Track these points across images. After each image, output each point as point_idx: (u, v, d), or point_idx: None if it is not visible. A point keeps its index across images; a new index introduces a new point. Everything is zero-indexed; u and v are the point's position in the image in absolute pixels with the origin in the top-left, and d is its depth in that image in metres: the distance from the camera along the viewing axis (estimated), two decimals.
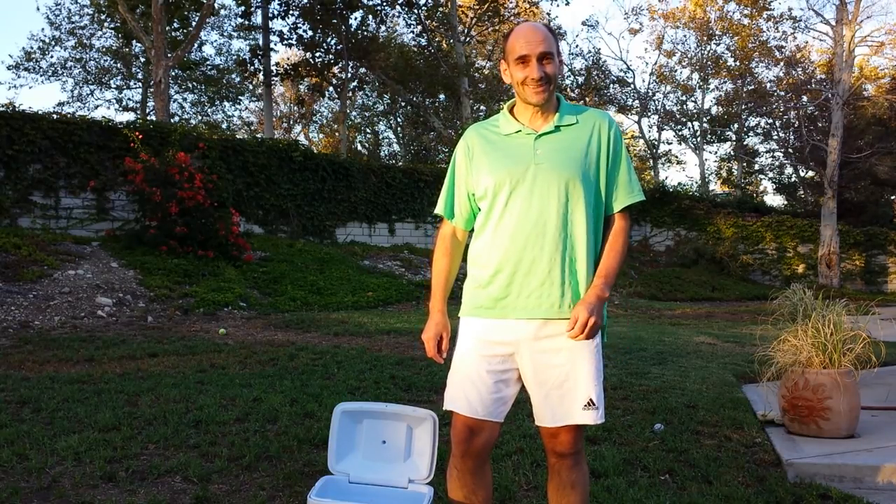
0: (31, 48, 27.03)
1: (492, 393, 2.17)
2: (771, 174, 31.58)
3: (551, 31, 2.14)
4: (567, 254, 2.12)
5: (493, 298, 2.16)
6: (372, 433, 2.41)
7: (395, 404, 2.47)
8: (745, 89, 28.65)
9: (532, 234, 2.11)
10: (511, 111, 2.21)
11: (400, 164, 24.64)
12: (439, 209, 2.32)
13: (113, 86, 28.14)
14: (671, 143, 39.29)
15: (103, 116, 12.74)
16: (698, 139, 31.56)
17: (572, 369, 2.14)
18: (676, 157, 40.48)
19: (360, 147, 32.68)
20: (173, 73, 24.24)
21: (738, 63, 28.68)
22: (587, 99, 30.44)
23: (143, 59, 25.11)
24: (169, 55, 15.86)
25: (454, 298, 2.35)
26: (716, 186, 33.38)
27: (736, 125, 31.04)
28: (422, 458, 2.39)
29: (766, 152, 31.83)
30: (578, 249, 2.13)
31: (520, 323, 2.14)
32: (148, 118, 18.40)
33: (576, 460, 2.20)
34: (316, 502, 2.19)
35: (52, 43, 26.77)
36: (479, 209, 2.23)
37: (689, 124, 32.44)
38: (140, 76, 27.32)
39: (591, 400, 2.15)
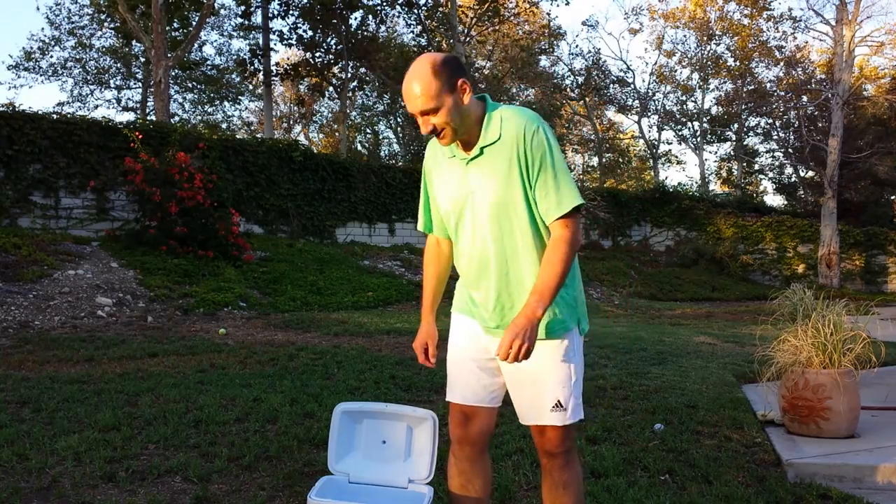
0: (31, 48, 27.04)
1: (480, 381, 2.23)
2: (771, 174, 31.58)
3: (435, 70, 1.99)
4: (513, 279, 2.12)
5: (471, 303, 2.24)
6: (372, 433, 2.41)
7: (395, 404, 2.47)
8: (745, 89, 28.65)
9: (479, 264, 2.15)
10: None
11: (400, 164, 24.63)
12: (420, 225, 2.36)
13: (113, 86, 28.15)
14: (671, 143, 39.36)
15: (103, 116, 12.75)
16: (698, 139, 31.57)
17: (541, 371, 2.14)
18: (676, 157, 40.55)
19: (360, 147, 32.68)
20: (173, 73, 24.23)
21: (738, 63, 28.69)
22: (587, 99, 30.48)
23: (143, 59, 25.11)
24: (169, 55, 15.86)
25: (448, 296, 2.39)
26: (716, 186, 33.41)
27: (736, 125, 31.04)
28: (422, 457, 2.39)
29: (766, 152, 31.86)
30: (525, 274, 2.10)
31: (489, 334, 2.22)
32: (148, 118, 18.40)
33: (566, 460, 2.19)
34: (316, 502, 2.19)
35: (52, 43, 26.77)
36: None
37: (689, 124, 32.45)
38: (140, 76, 27.32)
39: (558, 402, 2.13)
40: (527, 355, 1.95)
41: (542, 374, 2.13)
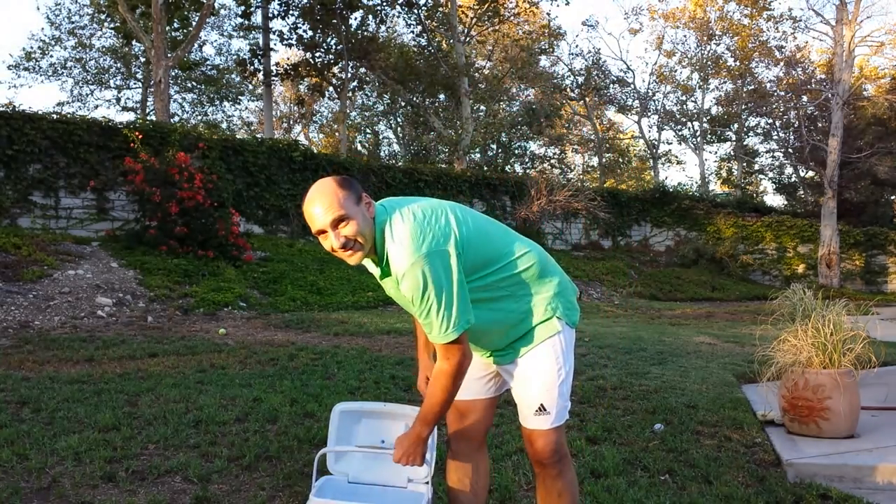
0: (31, 48, 27.06)
1: (472, 375, 2.26)
2: (771, 174, 31.57)
3: (340, 183, 2.00)
4: (483, 337, 2.19)
5: None
6: (370, 433, 2.41)
7: (394, 404, 2.47)
8: (745, 89, 28.65)
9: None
10: None
11: (400, 164, 24.63)
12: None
13: (113, 86, 28.15)
14: (671, 143, 39.38)
15: (103, 116, 12.75)
16: (698, 139, 31.56)
17: (529, 375, 2.18)
18: (676, 157, 40.54)
19: (360, 147, 32.67)
20: (173, 73, 24.24)
21: (738, 63, 28.68)
22: (587, 99, 30.47)
23: (143, 59, 25.11)
24: (169, 55, 15.86)
25: None
26: (716, 186, 33.38)
27: (736, 125, 31.03)
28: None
29: (766, 152, 31.84)
30: (493, 329, 2.16)
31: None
32: (148, 118, 18.40)
33: (559, 469, 2.20)
34: (316, 503, 2.18)
35: (52, 43, 26.78)
36: None
37: (689, 124, 32.44)
38: (140, 76, 27.32)
39: (541, 406, 2.15)
40: (409, 463, 2.11)
41: (529, 377, 2.17)
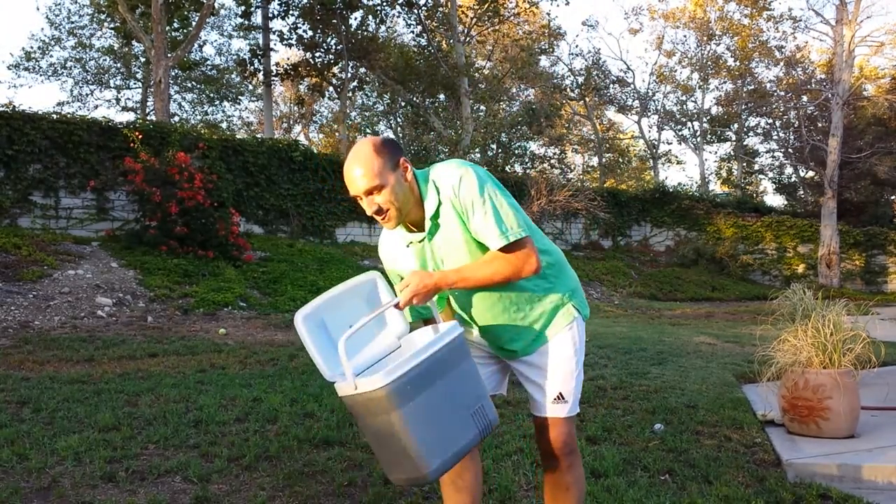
0: (31, 48, 27.05)
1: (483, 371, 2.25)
2: (771, 174, 31.56)
3: (377, 149, 2.02)
4: (500, 320, 2.18)
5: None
6: (338, 325, 2.21)
7: (339, 285, 2.27)
8: (745, 89, 28.65)
9: (461, 320, 2.22)
10: None
11: None
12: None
13: (113, 86, 28.15)
14: (671, 143, 39.33)
15: (103, 116, 12.75)
16: (698, 139, 31.56)
17: (548, 363, 2.20)
18: (676, 157, 40.48)
19: None
20: (173, 73, 24.23)
21: (738, 63, 28.68)
22: (587, 99, 30.47)
23: (143, 59, 25.11)
24: (169, 55, 15.85)
25: None
26: (716, 186, 33.38)
27: (736, 125, 31.04)
28: (392, 314, 2.26)
29: (766, 152, 31.84)
30: (509, 315, 2.17)
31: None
32: (148, 118, 18.40)
33: (570, 462, 2.21)
34: (364, 382, 1.97)
35: (52, 43, 26.78)
36: None
37: (689, 124, 32.45)
38: (140, 76, 27.32)
39: (560, 394, 2.18)
40: (408, 301, 2.02)
41: (548, 366, 2.19)
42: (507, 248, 2.03)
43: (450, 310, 2.29)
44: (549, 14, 31.61)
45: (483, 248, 2.08)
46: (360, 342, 2.18)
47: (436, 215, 2.07)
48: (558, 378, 2.18)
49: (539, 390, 2.20)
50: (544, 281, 2.18)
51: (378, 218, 2.06)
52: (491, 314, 2.18)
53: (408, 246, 2.18)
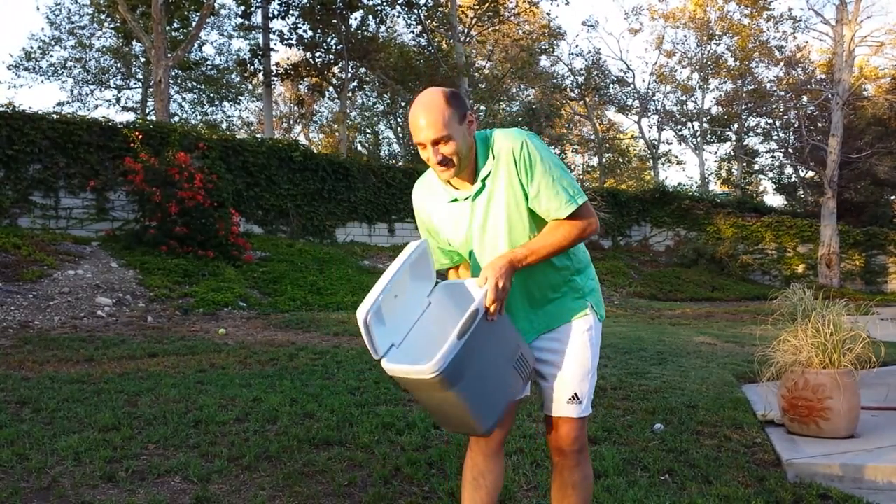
0: (31, 48, 27.06)
1: None
2: (771, 174, 31.59)
3: (448, 99, 2.02)
4: (534, 292, 2.17)
5: None
6: (393, 307, 2.09)
7: (392, 267, 2.10)
8: (745, 89, 28.65)
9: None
10: None
11: (400, 164, 24.62)
12: (437, 266, 2.32)
13: (113, 86, 28.16)
14: (671, 143, 39.32)
15: (103, 116, 12.75)
16: (698, 139, 31.57)
17: (563, 363, 2.19)
18: (676, 157, 40.56)
19: (360, 147, 32.68)
20: (173, 73, 24.24)
21: (738, 63, 28.68)
22: (587, 99, 30.47)
23: (143, 59, 25.12)
24: (169, 55, 15.86)
25: None
26: (716, 186, 33.39)
27: (736, 125, 31.04)
28: (421, 266, 2.15)
29: (766, 152, 31.87)
30: (546, 285, 2.16)
31: None
32: (148, 118, 18.40)
33: (577, 460, 2.22)
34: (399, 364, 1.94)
35: (52, 43, 26.79)
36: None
37: (689, 124, 32.45)
38: (140, 76, 27.33)
39: (575, 394, 2.18)
40: (494, 297, 1.95)
41: (563, 365, 2.18)
42: (573, 215, 2.06)
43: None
44: (549, 14, 31.63)
45: (521, 215, 2.09)
46: (393, 307, 2.12)
47: (487, 177, 2.09)
48: (572, 377, 2.18)
49: (553, 390, 2.20)
50: (572, 269, 2.20)
51: (440, 168, 2.05)
52: (519, 295, 2.16)
53: (450, 202, 2.16)
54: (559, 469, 2.23)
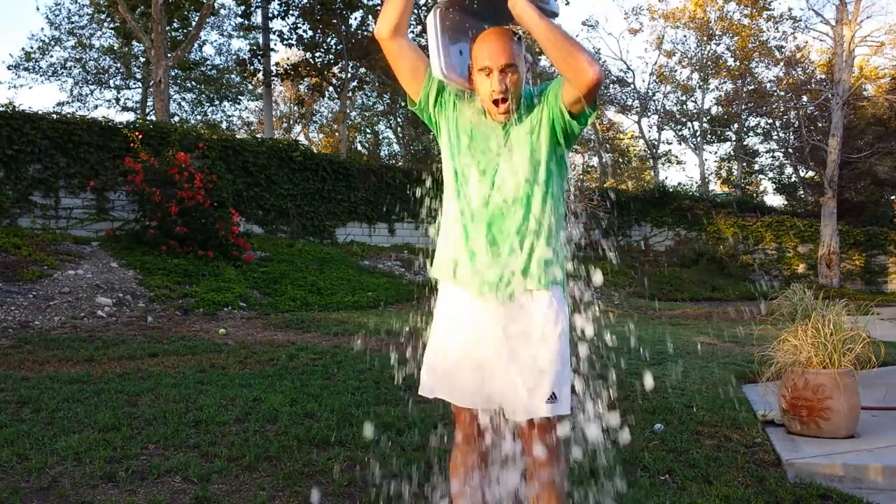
0: (31, 48, 27.06)
1: (476, 381, 2.21)
2: (771, 174, 31.59)
3: (516, 37, 2.09)
4: (525, 233, 2.12)
5: (466, 262, 2.21)
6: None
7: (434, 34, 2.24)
8: (745, 89, 28.65)
9: (491, 217, 2.13)
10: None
11: (400, 164, 24.63)
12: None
13: (113, 86, 28.17)
14: (671, 143, 39.26)
15: (103, 116, 12.75)
16: (698, 139, 31.56)
17: (539, 361, 2.12)
18: (676, 157, 40.48)
19: (360, 147, 32.68)
20: (173, 73, 24.24)
21: (738, 63, 28.67)
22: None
23: (143, 59, 25.12)
24: (169, 55, 15.86)
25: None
26: (716, 186, 33.39)
27: (736, 125, 31.03)
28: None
29: (766, 152, 31.86)
30: (540, 235, 2.11)
31: (480, 298, 2.18)
32: (148, 118, 18.40)
33: (555, 455, 2.19)
34: None
35: (52, 43, 26.79)
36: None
37: (689, 124, 32.44)
38: (140, 76, 27.33)
39: (553, 394, 2.12)
40: None
41: (540, 364, 2.11)
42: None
43: (463, 244, 2.19)
44: None
45: (537, 152, 2.10)
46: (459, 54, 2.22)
47: (524, 111, 2.11)
48: (550, 377, 2.11)
49: (528, 392, 2.11)
50: (560, 224, 2.16)
51: (499, 97, 2.05)
52: (508, 234, 2.12)
53: (483, 116, 2.15)
54: (535, 468, 2.21)
